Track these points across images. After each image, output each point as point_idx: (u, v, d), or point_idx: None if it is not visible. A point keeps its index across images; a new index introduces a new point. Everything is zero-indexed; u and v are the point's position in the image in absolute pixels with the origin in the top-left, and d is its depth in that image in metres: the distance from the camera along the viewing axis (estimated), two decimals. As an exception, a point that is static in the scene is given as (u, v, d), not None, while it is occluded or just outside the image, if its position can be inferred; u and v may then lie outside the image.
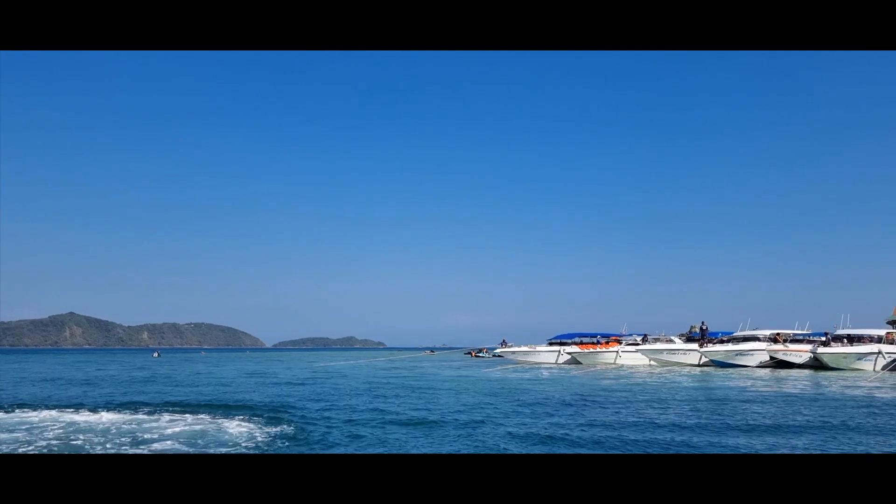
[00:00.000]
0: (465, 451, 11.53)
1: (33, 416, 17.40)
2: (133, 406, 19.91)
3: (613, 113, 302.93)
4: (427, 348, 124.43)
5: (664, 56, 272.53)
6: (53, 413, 17.89)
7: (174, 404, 20.29)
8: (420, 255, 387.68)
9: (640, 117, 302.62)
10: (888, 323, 51.32)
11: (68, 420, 16.47)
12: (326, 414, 17.34)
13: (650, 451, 11.86)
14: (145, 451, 11.15)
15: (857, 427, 14.94)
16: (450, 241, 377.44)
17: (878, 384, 29.11)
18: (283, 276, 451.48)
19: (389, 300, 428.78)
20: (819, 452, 11.76)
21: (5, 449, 11.99)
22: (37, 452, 11.01)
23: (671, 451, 11.73)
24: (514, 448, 12.10)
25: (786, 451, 11.87)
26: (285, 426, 14.89)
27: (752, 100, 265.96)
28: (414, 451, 11.56)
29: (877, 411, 18.24)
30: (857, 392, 24.85)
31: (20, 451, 11.51)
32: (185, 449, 11.90)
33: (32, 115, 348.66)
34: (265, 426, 14.96)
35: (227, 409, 18.79)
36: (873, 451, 11.99)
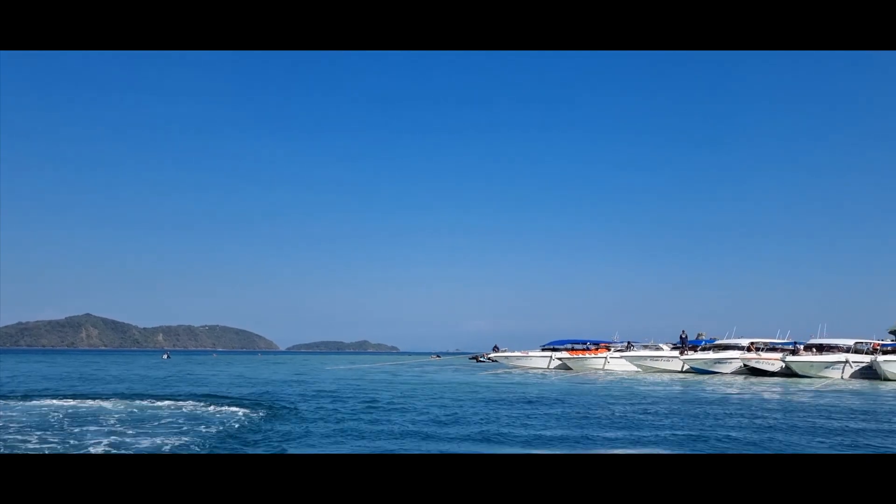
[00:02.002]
0: (464, 452, 11.97)
1: (47, 403, 20.28)
2: (131, 396, 22.50)
3: (631, 117, 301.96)
4: (433, 353, 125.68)
5: (687, 60, 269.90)
6: (61, 402, 20.58)
7: (166, 396, 22.75)
8: (437, 260, 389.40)
9: (659, 123, 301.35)
10: (890, 332, 52.93)
11: (75, 406, 19.30)
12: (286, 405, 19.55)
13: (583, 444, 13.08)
14: (144, 451, 11.65)
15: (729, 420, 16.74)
16: (466, 248, 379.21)
17: (820, 389, 30.80)
18: (299, 280, 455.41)
19: (405, 305, 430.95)
20: (819, 453, 12.22)
21: (19, 431, 14.11)
22: (37, 452, 11.31)
23: (668, 452, 12.22)
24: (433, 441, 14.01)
25: (786, 452, 12.35)
26: (252, 412, 17.25)
27: (782, 105, 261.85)
28: (410, 452, 12.00)
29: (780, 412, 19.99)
30: (778, 396, 26.54)
31: (28, 444, 12.38)
32: (177, 435, 13.68)
33: (51, 122, 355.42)
34: (239, 413, 17.35)
35: (213, 399, 21.13)
36: (873, 452, 12.61)
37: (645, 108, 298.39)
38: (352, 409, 19.27)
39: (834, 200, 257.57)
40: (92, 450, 11.88)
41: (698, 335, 52.90)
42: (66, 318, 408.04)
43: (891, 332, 52.77)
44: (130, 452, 11.38)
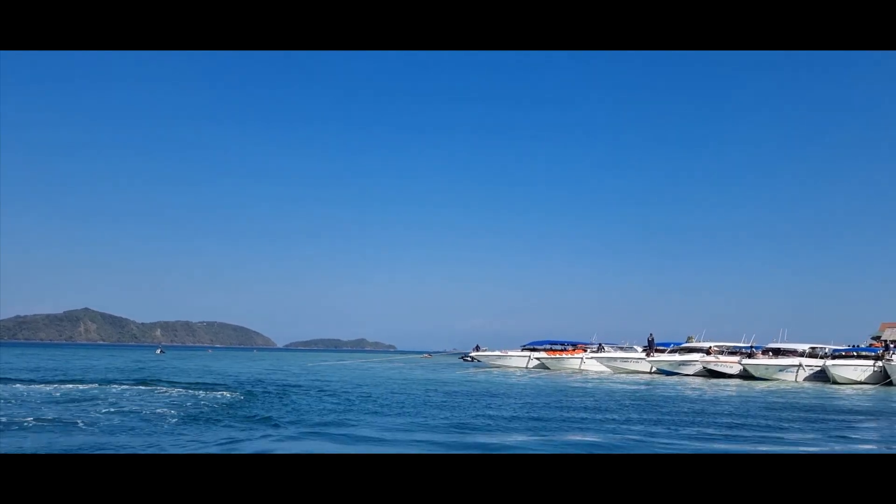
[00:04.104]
0: (464, 452, 12.10)
1: (45, 387, 23.01)
2: (110, 381, 25.24)
3: (622, 119, 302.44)
4: (426, 352, 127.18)
5: (684, 61, 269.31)
6: (60, 385, 23.51)
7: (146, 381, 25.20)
8: (436, 258, 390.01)
9: (650, 125, 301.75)
10: (872, 338, 54.97)
11: (71, 389, 22.20)
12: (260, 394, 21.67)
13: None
14: (142, 451, 11.76)
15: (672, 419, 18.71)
16: (465, 246, 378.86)
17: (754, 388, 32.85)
18: (298, 278, 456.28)
19: (403, 303, 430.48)
20: (819, 452, 12.45)
21: (21, 408, 16.15)
22: (36, 453, 11.27)
23: (669, 452, 12.44)
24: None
25: (784, 452, 12.61)
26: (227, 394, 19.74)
27: (778, 108, 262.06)
28: (407, 451, 12.08)
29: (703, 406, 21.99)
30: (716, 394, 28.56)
31: (26, 446, 12.55)
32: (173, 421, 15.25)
33: (50, 116, 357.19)
34: (217, 397, 19.62)
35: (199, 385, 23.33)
36: (873, 452, 13.01)
37: (635, 110, 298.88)
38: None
39: (827, 205, 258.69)
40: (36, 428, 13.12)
41: (688, 338, 55.22)
42: (64, 313, 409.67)
43: (873, 339, 54.83)
44: (130, 452, 11.41)
